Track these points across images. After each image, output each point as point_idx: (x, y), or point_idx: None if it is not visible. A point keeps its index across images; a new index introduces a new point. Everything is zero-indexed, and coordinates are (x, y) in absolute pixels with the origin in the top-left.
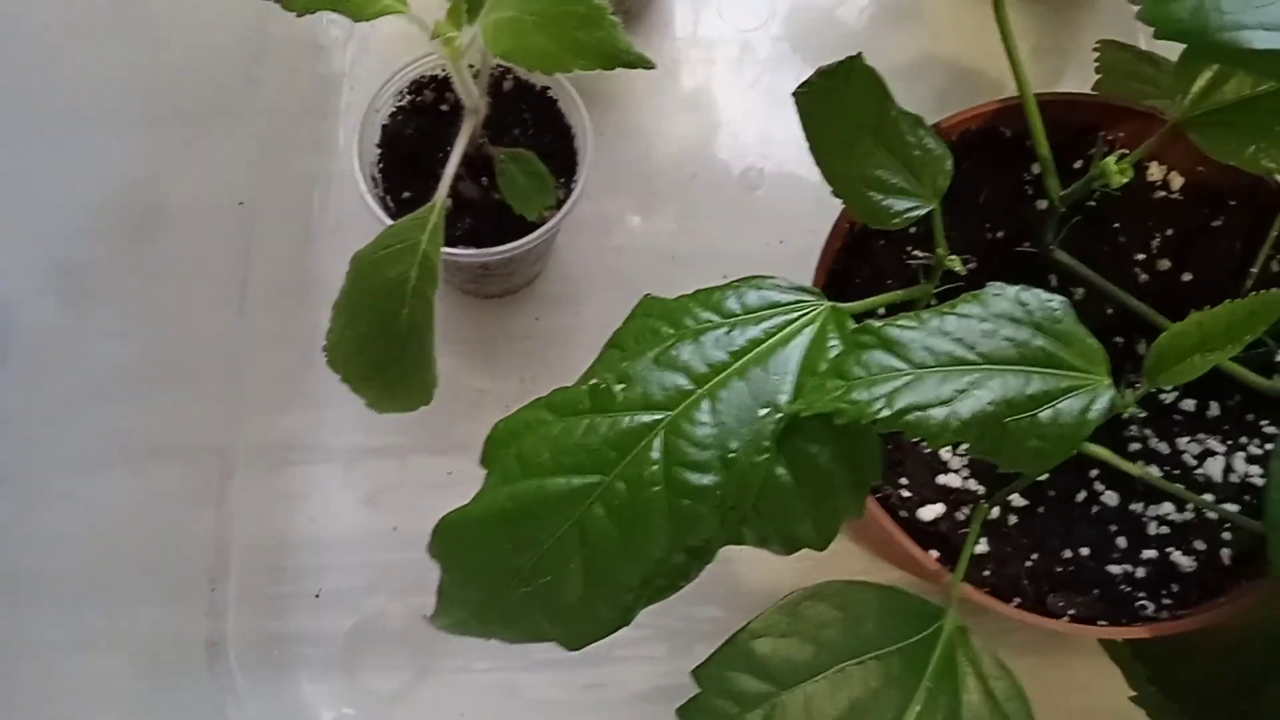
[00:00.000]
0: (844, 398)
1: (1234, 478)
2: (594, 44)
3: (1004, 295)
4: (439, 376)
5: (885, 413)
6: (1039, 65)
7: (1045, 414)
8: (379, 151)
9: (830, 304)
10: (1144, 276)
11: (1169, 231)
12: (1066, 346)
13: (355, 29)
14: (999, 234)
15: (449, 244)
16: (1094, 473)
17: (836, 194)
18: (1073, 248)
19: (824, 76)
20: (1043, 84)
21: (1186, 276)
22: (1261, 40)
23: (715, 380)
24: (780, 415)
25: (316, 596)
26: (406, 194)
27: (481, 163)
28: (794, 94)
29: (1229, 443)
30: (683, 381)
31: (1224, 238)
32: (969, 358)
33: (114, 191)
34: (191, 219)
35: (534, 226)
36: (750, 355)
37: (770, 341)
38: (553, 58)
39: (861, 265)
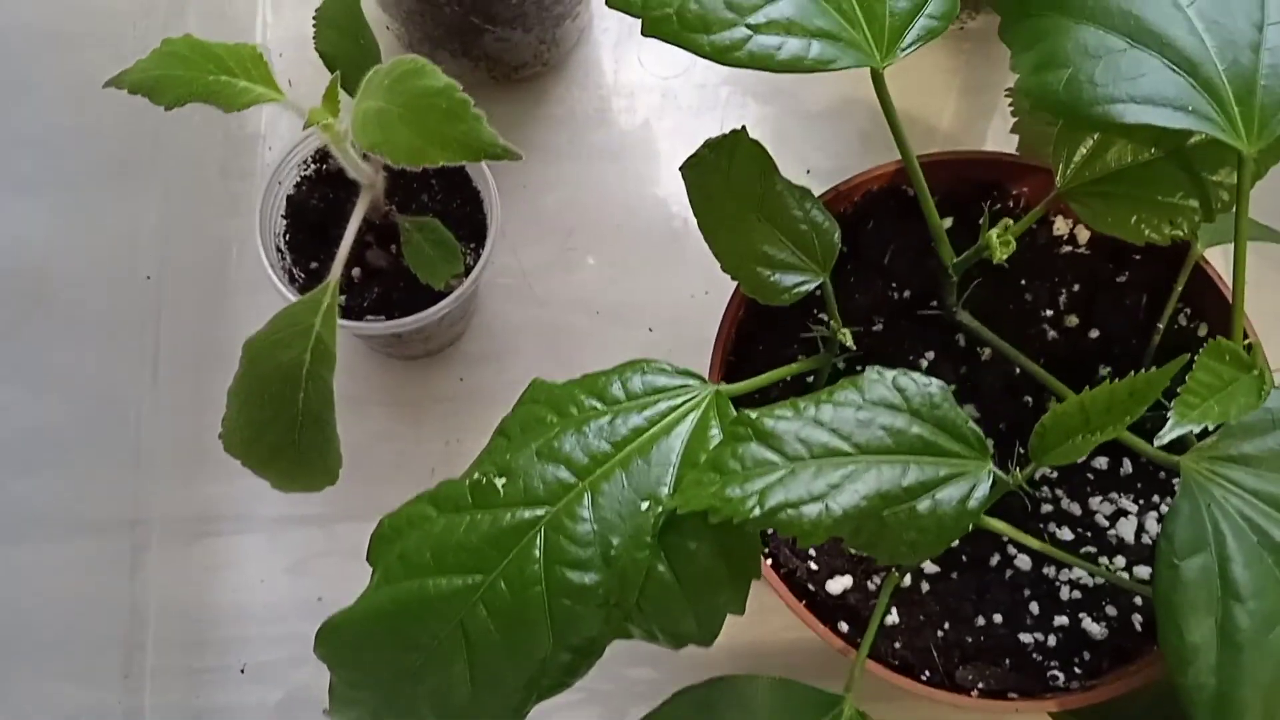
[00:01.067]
0: (718, 495)
1: (1146, 539)
2: (458, 138)
3: (881, 381)
4: (369, 436)
5: (757, 511)
6: (968, 102)
7: (923, 505)
8: (285, 222)
9: (715, 388)
10: (1052, 333)
11: (1075, 287)
12: (945, 433)
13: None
14: (905, 293)
15: (357, 314)
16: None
17: (725, 270)
18: (979, 305)
19: (711, 149)
20: (970, 121)
21: (1094, 333)
22: (1133, 114)
23: (597, 473)
24: (661, 509)
25: (242, 671)
26: (314, 264)
27: (389, 229)
28: (681, 168)
29: (1140, 502)
30: (564, 475)
31: (1130, 292)
32: (844, 449)
33: (16, 254)
34: (100, 281)
35: (445, 293)
36: (633, 445)
37: (653, 430)
38: (418, 151)
39: (766, 331)
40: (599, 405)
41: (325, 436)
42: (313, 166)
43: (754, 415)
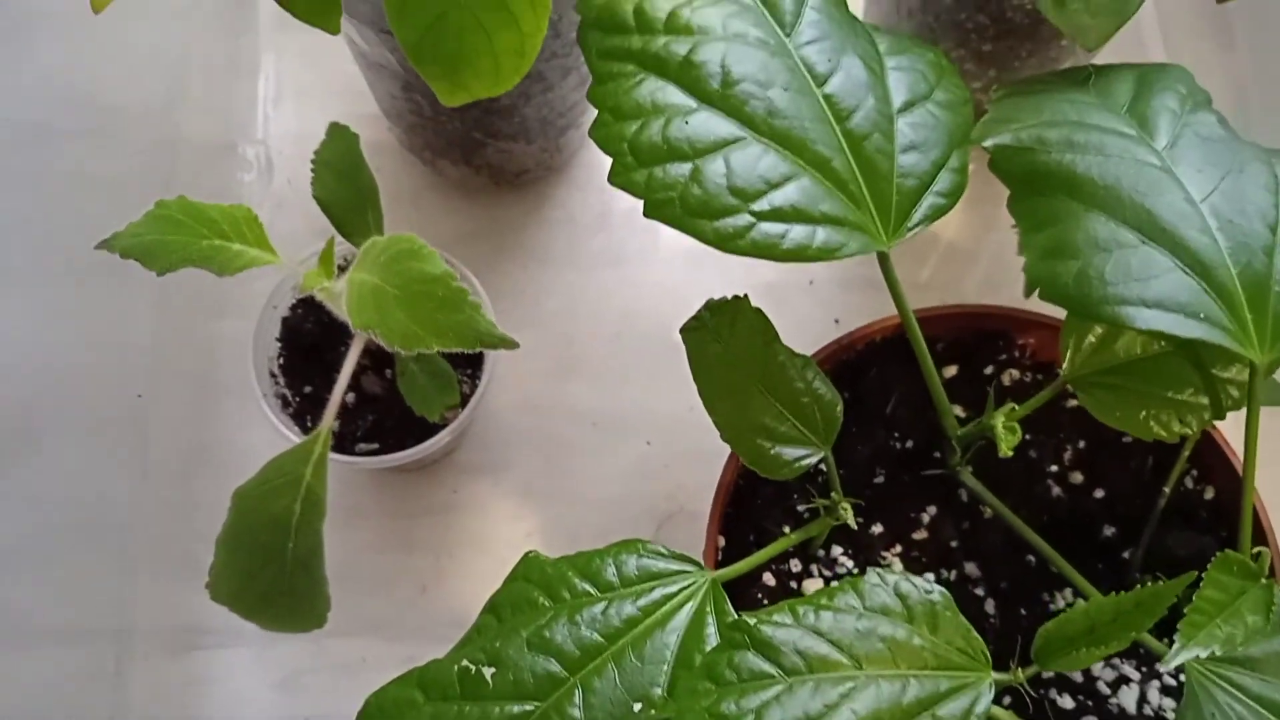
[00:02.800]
0: (713, 710)
1: (1148, 709)
2: (454, 327)
3: (883, 586)
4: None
5: None
6: (974, 214)
7: None
8: (279, 346)
9: (711, 577)
10: (1056, 490)
11: (1081, 444)
12: (947, 642)
13: (271, 191)
14: (908, 443)
15: (351, 440)
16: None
17: (725, 440)
18: (982, 458)
19: (712, 312)
20: (977, 234)
21: (1099, 493)
22: (1145, 320)
23: (589, 667)
24: (654, 713)
25: None
26: (308, 388)
27: (385, 356)
28: (681, 331)
29: (1143, 670)
30: (555, 668)
31: (1136, 452)
32: (843, 663)
33: (5, 346)
34: (90, 377)
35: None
36: (626, 638)
37: (647, 622)
38: (414, 337)
39: (764, 486)
40: (592, 590)
41: (314, 582)
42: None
43: (752, 621)
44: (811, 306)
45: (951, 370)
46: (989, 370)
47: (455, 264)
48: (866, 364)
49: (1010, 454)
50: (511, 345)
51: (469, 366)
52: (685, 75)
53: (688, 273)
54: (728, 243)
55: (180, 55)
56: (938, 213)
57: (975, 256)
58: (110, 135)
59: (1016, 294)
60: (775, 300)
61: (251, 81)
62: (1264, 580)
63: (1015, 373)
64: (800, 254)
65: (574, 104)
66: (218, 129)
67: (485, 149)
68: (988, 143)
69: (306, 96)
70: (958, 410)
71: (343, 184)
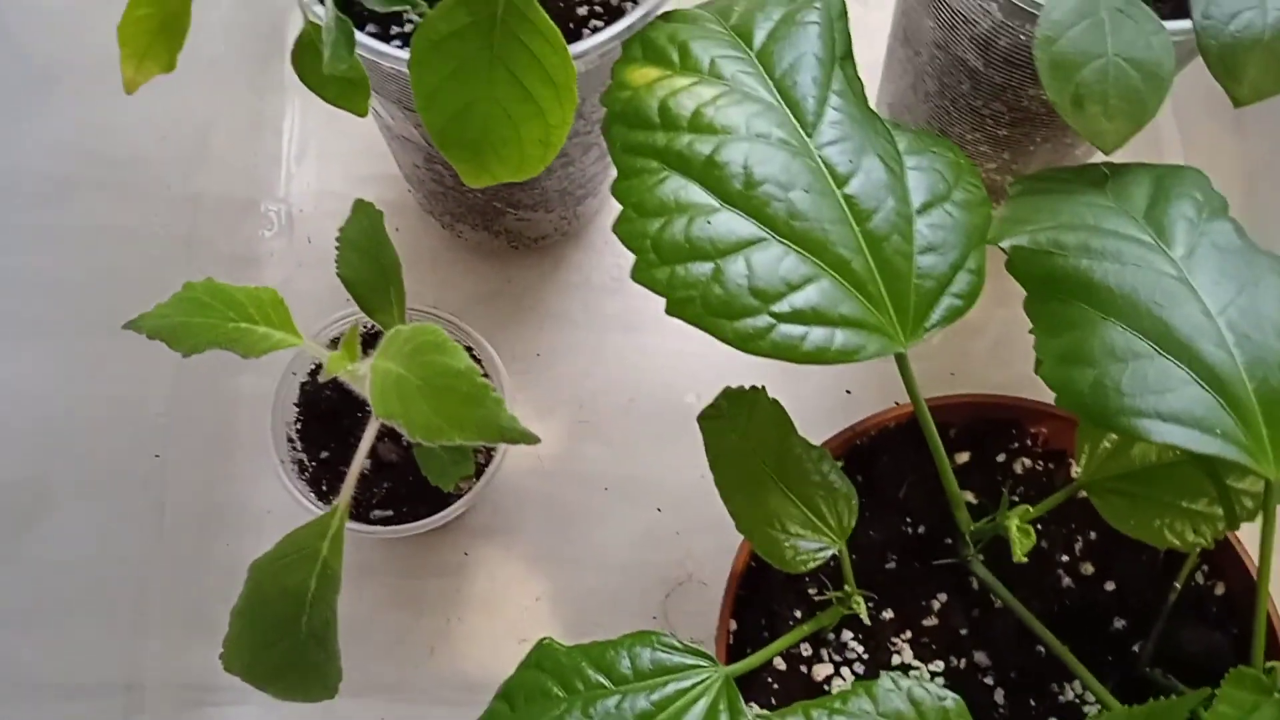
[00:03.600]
0: None
1: None
2: (477, 421)
3: (896, 692)
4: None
5: None
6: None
7: None
8: (296, 411)
9: (724, 673)
10: (1067, 580)
11: (1092, 535)
12: None
13: (292, 249)
14: (920, 529)
15: (366, 508)
16: None
17: (740, 530)
18: (994, 547)
19: (729, 401)
20: (987, 309)
21: (1110, 585)
22: (1160, 433)
23: None
24: None
25: None
26: (324, 453)
27: None
28: (699, 419)
29: None
30: None
31: (1147, 546)
32: None
33: (20, 406)
34: (108, 436)
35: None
36: None
37: (660, 718)
38: (437, 430)
39: (776, 570)
40: (606, 682)
41: (327, 655)
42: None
43: None
44: (823, 376)
45: (964, 457)
46: (1001, 458)
47: (470, 332)
48: (880, 449)
49: (1025, 559)
50: (533, 440)
51: None
52: (708, 175)
53: (701, 339)
54: (748, 343)
55: (205, 112)
56: (954, 314)
57: (983, 329)
58: (133, 190)
59: (1023, 369)
60: (787, 371)
61: (275, 139)
62: (1277, 696)
63: (1027, 461)
64: (819, 356)
65: (594, 175)
66: (240, 185)
67: (505, 216)
68: (1005, 244)
69: (329, 155)
70: (970, 497)
71: (366, 262)
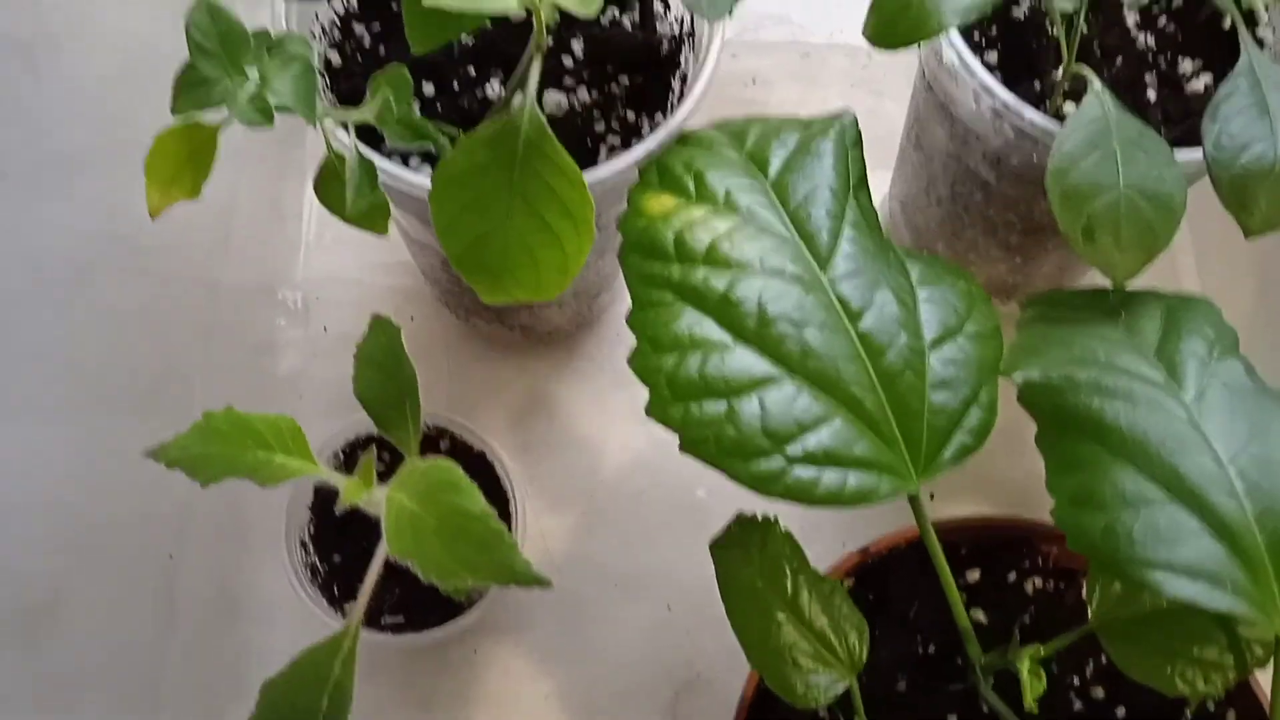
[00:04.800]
0: None
1: None
2: (491, 566)
3: None
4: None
5: None
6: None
7: None
8: (310, 515)
9: None
10: (1078, 704)
11: (1103, 659)
12: None
13: (308, 337)
14: (931, 648)
15: (377, 613)
16: None
17: (752, 663)
18: (1004, 671)
19: (742, 529)
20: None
21: (1121, 710)
22: (1172, 586)
23: None
24: None
25: None
26: (337, 558)
27: None
28: (711, 547)
29: None
30: None
31: None
32: None
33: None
34: (121, 522)
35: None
36: None
37: None
38: (450, 571)
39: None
40: None
41: None
42: (342, 457)
43: None
44: None
45: (974, 575)
46: (1012, 577)
47: (484, 438)
48: (891, 568)
49: (1035, 707)
50: (546, 585)
51: None
52: (723, 311)
53: None
54: (762, 486)
55: (226, 197)
56: (966, 452)
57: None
58: (152, 275)
59: (1034, 463)
60: None
61: (293, 224)
62: None
63: (1038, 581)
64: (834, 499)
65: (608, 275)
66: (258, 271)
67: (519, 313)
68: (1017, 377)
69: (346, 241)
70: (980, 616)
71: (383, 379)
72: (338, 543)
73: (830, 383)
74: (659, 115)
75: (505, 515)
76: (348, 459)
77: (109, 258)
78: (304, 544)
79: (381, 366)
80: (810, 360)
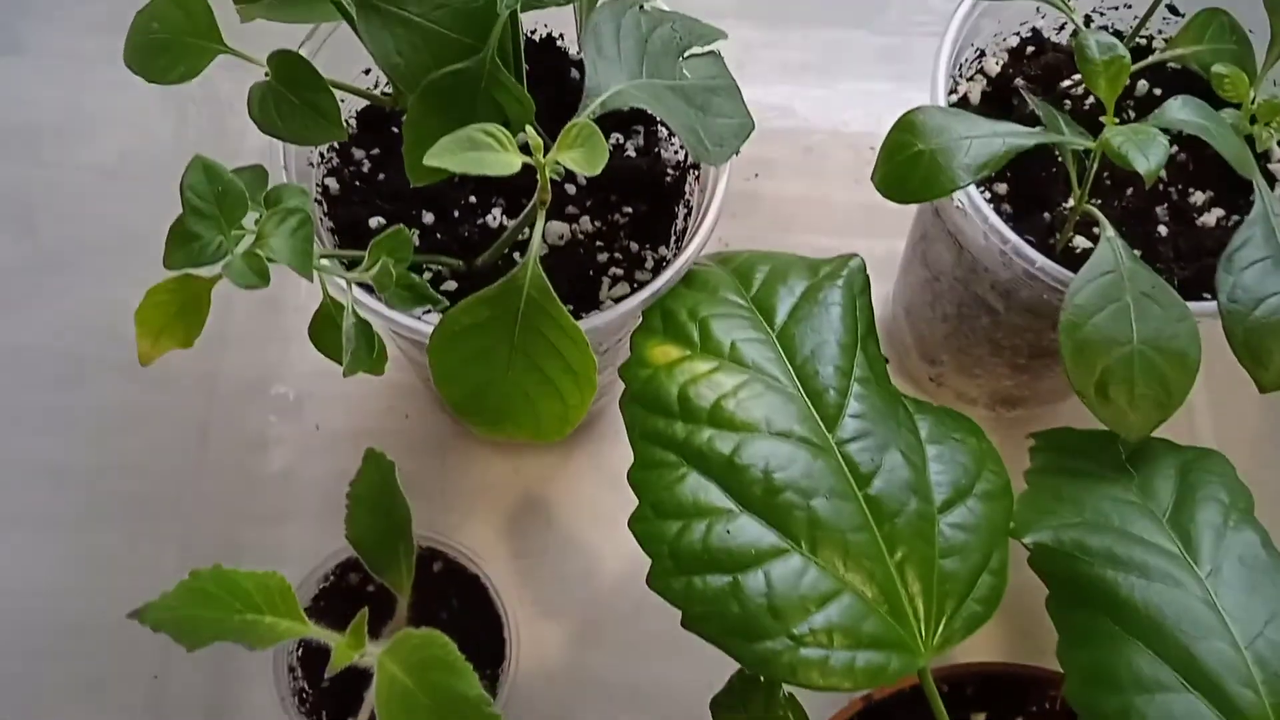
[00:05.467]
0: None
1: None
2: None
3: None
4: None
5: None
6: None
7: None
8: (297, 640)
9: None
10: None
11: None
12: None
13: (299, 435)
14: None
15: None
16: None
17: None
18: None
19: (743, 685)
20: None
21: None
22: None
23: None
24: None
25: None
26: (325, 683)
27: None
28: (711, 705)
29: None
30: None
31: None
32: None
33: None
34: (107, 630)
35: None
36: None
37: None
38: None
39: None
40: None
41: None
42: (332, 579)
43: None
44: None
45: (980, 717)
46: None
47: (479, 565)
48: (893, 711)
49: None
50: None
51: (489, 665)
52: (729, 476)
53: None
54: (767, 667)
55: (221, 290)
56: (977, 622)
57: None
58: (144, 373)
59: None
60: None
61: (286, 316)
62: None
63: None
64: (841, 680)
65: (604, 385)
66: (252, 367)
67: None
68: (1028, 540)
69: None
70: None
71: (376, 519)
72: (326, 668)
73: (839, 556)
74: (662, 247)
75: (498, 640)
76: (337, 583)
77: (101, 356)
78: (292, 669)
79: (375, 507)
80: (819, 531)
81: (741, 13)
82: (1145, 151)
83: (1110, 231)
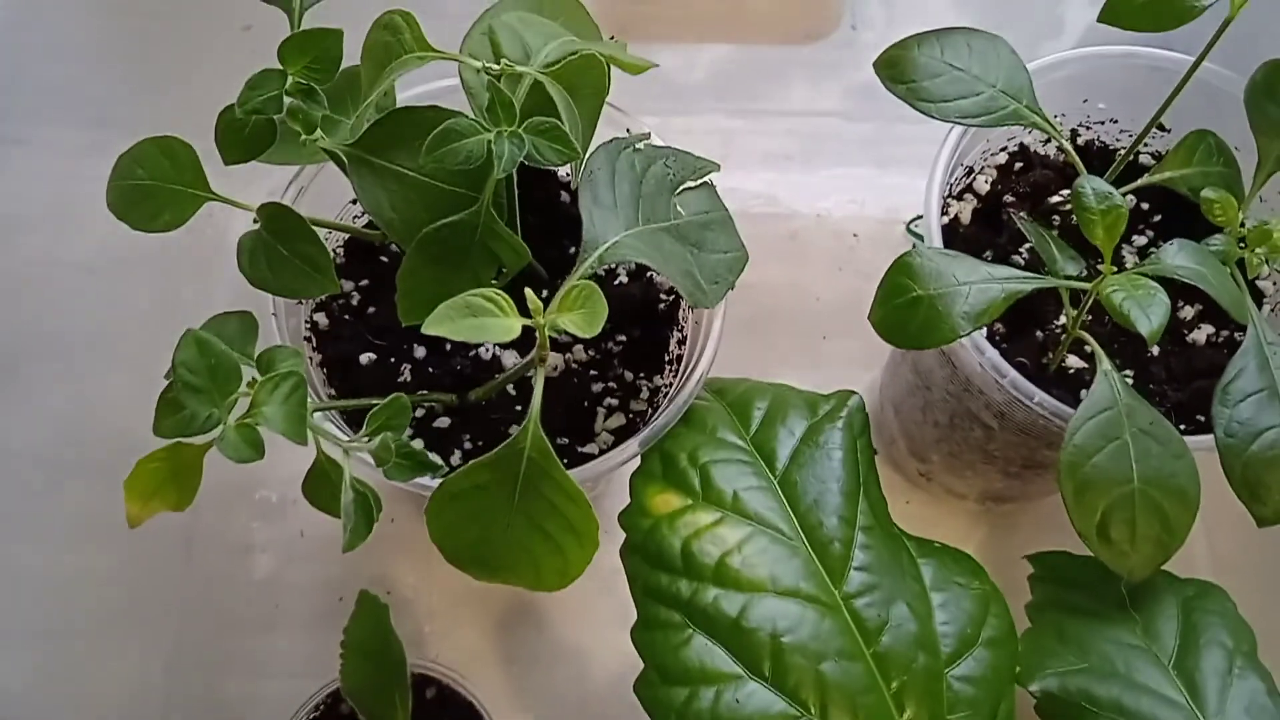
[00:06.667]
0: None
1: None
2: None
3: None
4: None
5: None
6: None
7: None
8: None
9: None
10: None
11: None
12: None
13: (283, 542)
14: None
15: None
16: None
17: None
18: None
19: None
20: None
21: None
22: None
23: None
24: None
25: None
26: None
27: None
28: None
29: None
30: None
31: None
32: None
33: (20, 709)
34: None
35: None
36: None
37: None
38: None
39: None
40: None
41: None
42: (323, 709)
43: None
44: None
45: None
46: None
47: (471, 691)
48: None
49: None
50: None
51: None
52: (736, 638)
53: None
54: None
55: None
56: None
57: None
58: (118, 476)
59: None
60: None
61: None
62: None
63: None
64: None
65: (595, 496)
66: (235, 470)
67: None
68: (1034, 688)
69: None
70: None
71: (370, 666)
72: None
73: None
74: (657, 376)
75: None
76: (328, 713)
77: (80, 460)
78: None
79: (370, 654)
80: (828, 695)
81: (723, 101)
82: (1147, 311)
83: (1106, 364)
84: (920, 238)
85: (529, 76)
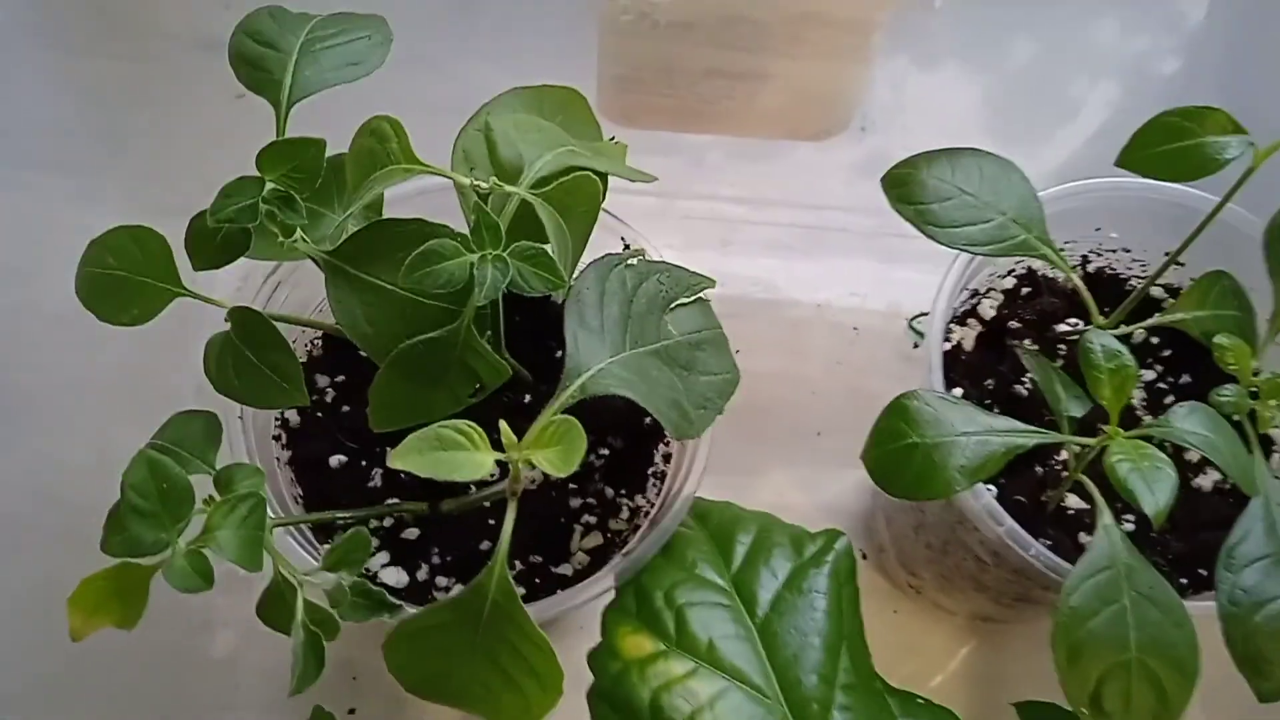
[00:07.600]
0: None
1: None
2: None
3: None
4: None
5: None
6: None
7: None
8: None
9: None
10: None
11: None
12: None
13: (245, 614)
14: None
15: None
16: None
17: None
18: None
19: None
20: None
21: None
22: None
23: None
24: None
25: None
26: None
27: None
28: None
29: None
30: None
31: None
32: None
33: None
34: None
35: None
36: None
37: None
38: None
39: None
40: None
41: None
42: None
43: None
44: None
45: None
46: None
47: None
48: None
49: None
50: None
51: None
52: None
53: None
54: None
55: None
56: None
57: None
58: (82, 540)
59: None
60: None
61: None
62: None
63: None
64: None
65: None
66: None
67: None
68: None
69: None
70: None
71: None
72: None
73: None
74: (639, 496)
75: None
76: None
77: (40, 521)
78: None
79: None
80: None
81: (727, 188)
82: (1153, 487)
83: (1108, 517)
84: (921, 335)
85: (519, 195)
